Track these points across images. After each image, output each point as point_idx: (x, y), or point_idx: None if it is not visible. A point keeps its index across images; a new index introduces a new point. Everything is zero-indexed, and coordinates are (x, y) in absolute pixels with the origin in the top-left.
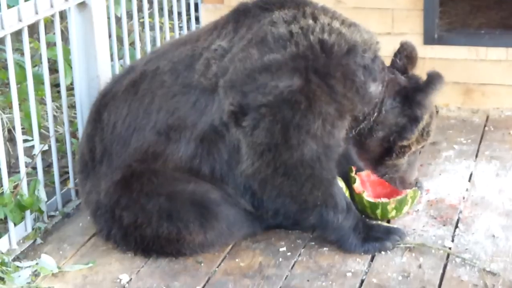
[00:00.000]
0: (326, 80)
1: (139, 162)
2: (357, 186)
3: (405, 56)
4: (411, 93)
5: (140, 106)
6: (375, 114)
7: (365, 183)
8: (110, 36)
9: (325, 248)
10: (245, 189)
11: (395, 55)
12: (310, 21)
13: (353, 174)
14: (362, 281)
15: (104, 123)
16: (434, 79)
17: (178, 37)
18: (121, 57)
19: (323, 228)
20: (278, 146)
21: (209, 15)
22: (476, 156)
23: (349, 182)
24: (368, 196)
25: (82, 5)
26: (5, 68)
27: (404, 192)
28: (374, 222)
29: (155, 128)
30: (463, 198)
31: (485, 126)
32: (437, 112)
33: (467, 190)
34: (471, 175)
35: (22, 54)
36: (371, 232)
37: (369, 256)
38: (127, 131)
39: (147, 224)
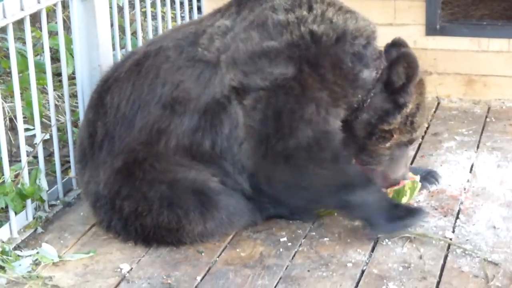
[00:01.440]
0: (316, 70)
1: (143, 144)
2: None
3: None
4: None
5: (144, 82)
6: (369, 101)
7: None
8: (112, 25)
9: (325, 238)
10: (243, 168)
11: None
12: (305, 12)
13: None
14: (363, 272)
15: (107, 107)
16: (398, 54)
17: (180, 24)
18: (123, 46)
19: (349, 208)
20: (271, 135)
21: (211, 5)
22: (478, 147)
23: None
24: None
25: None
26: (7, 57)
27: (402, 183)
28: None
29: (160, 102)
30: (464, 189)
31: (486, 117)
32: (438, 103)
33: (468, 181)
34: (472, 166)
35: (24, 43)
36: (395, 211)
37: (370, 247)
38: (132, 110)
39: (148, 212)
